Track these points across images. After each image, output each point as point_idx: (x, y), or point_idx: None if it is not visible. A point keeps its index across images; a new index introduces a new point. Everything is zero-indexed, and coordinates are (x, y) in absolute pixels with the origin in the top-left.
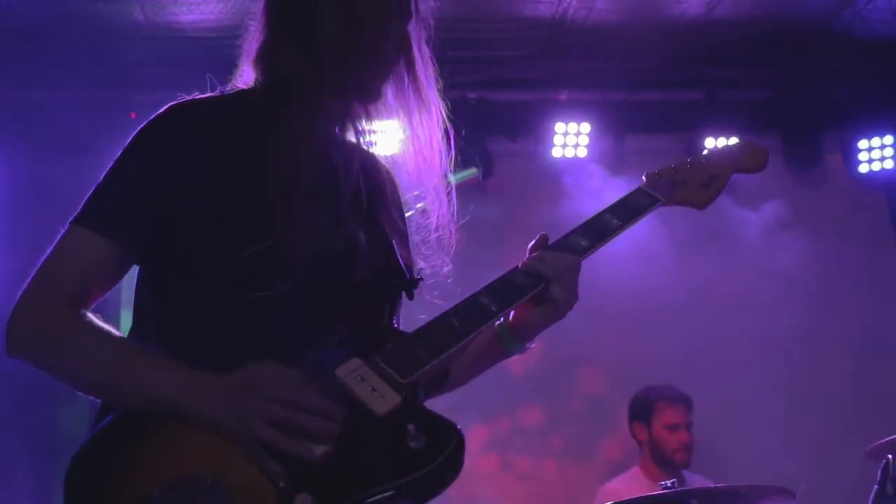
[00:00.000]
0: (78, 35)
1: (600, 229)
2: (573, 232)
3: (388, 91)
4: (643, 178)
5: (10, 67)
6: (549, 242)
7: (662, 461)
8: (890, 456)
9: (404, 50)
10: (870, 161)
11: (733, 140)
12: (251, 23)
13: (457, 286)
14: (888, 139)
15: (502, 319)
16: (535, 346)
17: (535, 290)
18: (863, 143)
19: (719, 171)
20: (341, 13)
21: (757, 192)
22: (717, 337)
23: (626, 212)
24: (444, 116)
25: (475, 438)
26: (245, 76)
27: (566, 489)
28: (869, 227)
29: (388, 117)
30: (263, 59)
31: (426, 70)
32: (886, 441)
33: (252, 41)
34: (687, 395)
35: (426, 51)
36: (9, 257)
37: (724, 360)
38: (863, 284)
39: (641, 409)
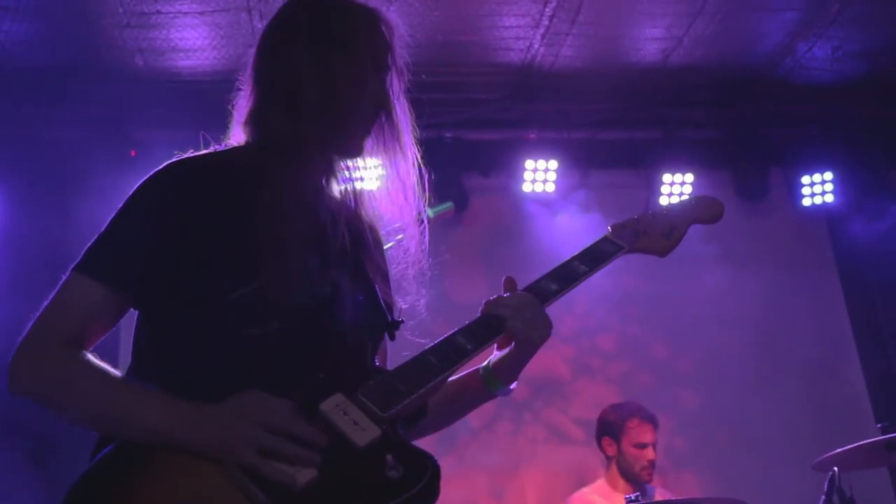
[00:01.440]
0: (82, 79)
1: (569, 274)
2: (544, 277)
3: (372, 136)
4: (608, 228)
5: (17, 109)
6: (517, 283)
7: (629, 476)
8: (836, 468)
9: (382, 104)
10: (812, 195)
11: (688, 176)
12: (240, 87)
13: (432, 312)
14: (828, 175)
15: (486, 363)
16: (514, 388)
17: (504, 329)
18: (805, 179)
19: (679, 223)
20: (319, 77)
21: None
22: (676, 355)
23: (592, 258)
24: (419, 159)
25: None
26: (236, 136)
27: None
28: (812, 255)
29: (371, 159)
30: (252, 122)
31: (404, 119)
32: (832, 454)
33: (241, 104)
34: (654, 415)
35: (403, 101)
36: (10, 287)
37: (682, 378)
38: (807, 307)
39: (611, 426)
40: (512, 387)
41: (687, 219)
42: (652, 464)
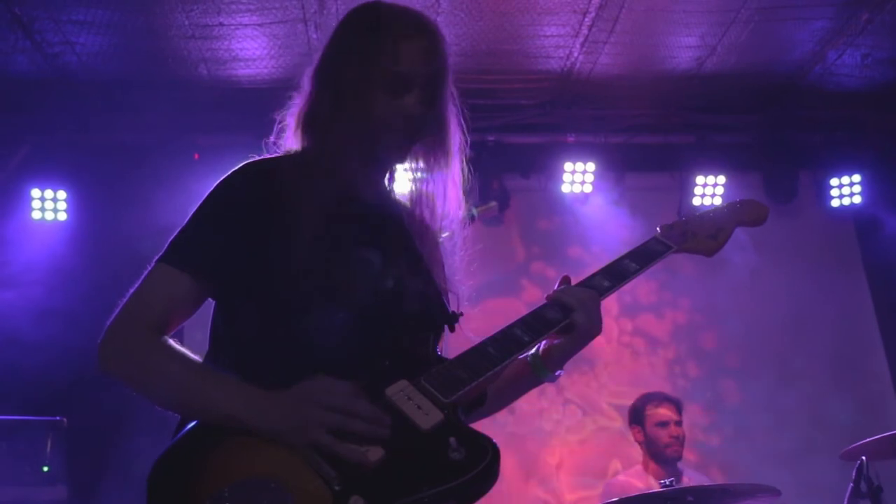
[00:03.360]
0: (149, 87)
1: (621, 272)
2: (596, 273)
3: (423, 142)
4: (658, 228)
5: (89, 116)
6: (572, 280)
7: (658, 456)
8: (864, 457)
9: (431, 111)
10: (840, 197)
11: (720, 179)
12: (296, 93)
13: (475, 306)
14: (856, 178)
15: (534, 350)
16: (562, 373)
17: (563, 323)
18: (834, 181)
19: (725, 225)
20: (360, 91)
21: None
22: (708, 348)
23: (642, 257)
24: (464, 164)
25: None
26: (290, 143)
27: None
28: (840, 254)
29: (421, 164)
30: (308, 128)
31: (453, 124)
32: (860, 444)
33: (296, 114)
34: (676, 398)
35: (452, 108)
36: (84, 286)
37: (714, 369)
38: (835, 304)
39: (636, 414)
40: (558, 374)
41: (733, 221)
42: (676, 439)
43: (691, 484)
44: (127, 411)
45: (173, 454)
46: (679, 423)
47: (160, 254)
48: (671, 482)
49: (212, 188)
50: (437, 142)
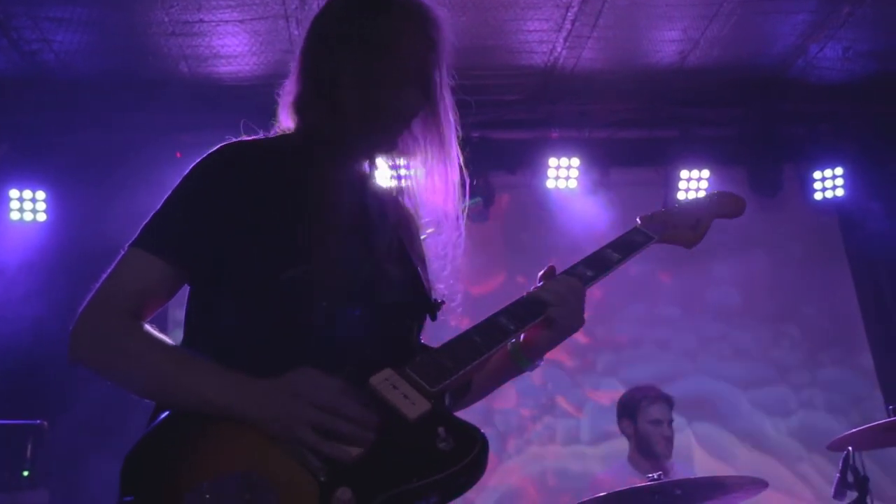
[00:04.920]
0: (130, 86)
1: (603, 262)
2: (579, 263)
3: (414, 131)
4: (638, 220)
5: (68, 115)
6: (557, 271)
7: (647, 453)
8: (850, 448)
9: (421, 107)
10: (823, 189)
11: (705, 173)
12: (287, 77)
13: (464, 299)
14: (839, 170)
15: (515, 340)
16: (541, 363)
17: (545, 314)
18: (817, 174)
19: (704, 216)
20: (361, 77)
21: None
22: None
23: (624, 248)
24: (461, 159)
25: None
26: (283, 122)
27: None
28: (823, 246)
29: (413, 153)
30: (296, 111)
31: (447, 117)
32: (846, 435)
33: (288, 88)
34: (668, 395)
35: (448, 98)
36: (63, 289)
37: (701, 358)
38: (818, 296)
39: (628, 407)
40: (538, 363)
41: (711, 213)
42: (668, 440)
43: (679, 477)
44: (110, 412)
45: (149, 444)
46: (671, 423)
47: (133, 238)
48: (659, 475)
49: (188, 170)
50: (431, 133)
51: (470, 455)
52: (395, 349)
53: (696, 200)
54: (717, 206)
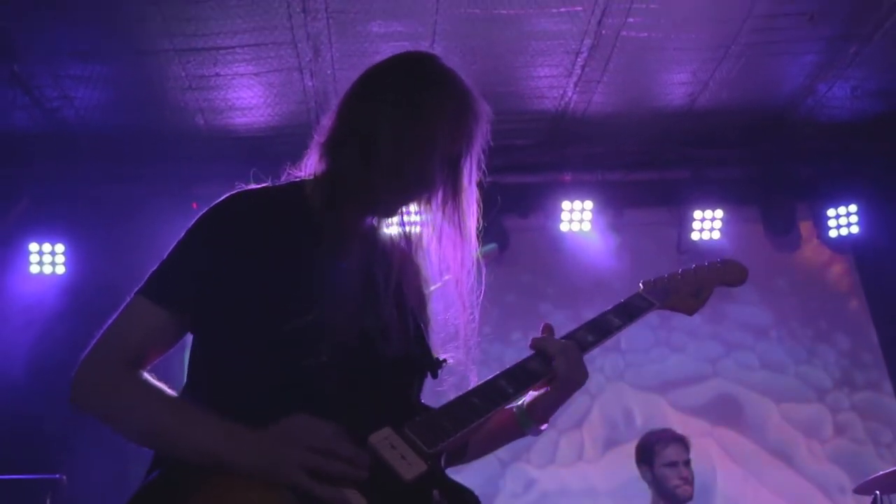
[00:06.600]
0: (147, 139)
1: (604, 327)
2: (580, 328)
3: (433, 208)
4: (640, 285)
5: (88, 168)
6: (559, 319)
7: (667, 497)
8: (878, 492)
9: (450, 181)
10: (838, 227)
11: (718, 213)
12: (325, 116)
13: (483, 346)
14: (853, 208)
15: (521, 403)
16: (544, 428)
17: (546, 376)
18: (831, 212)
19: (706, 284)
20: (396, 141)
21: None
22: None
23: (625, 313)
24: (479, 241)
25: None
26: (310, 161)
27: None
28: (840, 284)
29: (426, 216)
30: (327, 151)
31: (470, 205)
32: (873, 478)
33: (324, 124)
34: (683, 436)
35: (474, 188)
36: (78, 328)
37: (722, 394)
38: (836, 334)
39: (644, 453)
40: (543, 427)
41: (713, 280)
42: (686, 480)
43: None
44: (126, 465)
45: (147, 496)
46: (688, 463)
47: (139, 287)
48: None
49: (194, 220)
50: (451, 215)
51: None
52: (395, 406)
53: (698, 267)
54: (719, 274)
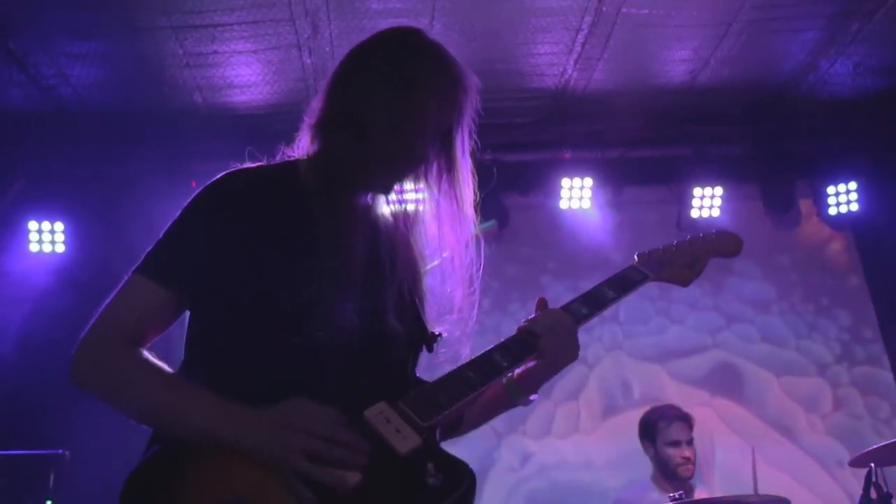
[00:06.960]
0: (145, 117)
1: (599, 299)
2: (576, 300)
3: (430, 182)
4: (635, 257)
5: (85, 147)
6: (548, 304)
7: (669, 475)
8: (872, 464)
9: (443, 153)
10: (837, 204)
11: (718, 190)
12: (314, 98)
13: (481, 318)
14: (852, 185)
15: (512, 375)
16: (534, 398)
17: (538, 350)
18: (831, 189)
19: (700, 255)
20: (386, 117)
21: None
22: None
23: (620, 285)
24: (476, 209)
25: None
26: (303, 141)
27: None
28: (839, 261)
29: (422, 191)
30: (320, 130)
31: (466, 177)
32: (868, 451)
33: (314, 107)
34: (687, 414)
35: (468, 160)
36: (79, 307)
37: (721, 366)
38: (835, 311)
39: (647, 429)
40: (533, 398)
41: (708, 252)
42: (688, 460)
43: (702, 496)
44: (129, 441)
45: (146, 471)
46: (691, 442)
47: (136, 265)
48: (680, 495)
49: (190, 198)
50: (446, 188)
51: (458, 491)
52: (390, 381)
53: (692, 239)
54: (714, 245)
